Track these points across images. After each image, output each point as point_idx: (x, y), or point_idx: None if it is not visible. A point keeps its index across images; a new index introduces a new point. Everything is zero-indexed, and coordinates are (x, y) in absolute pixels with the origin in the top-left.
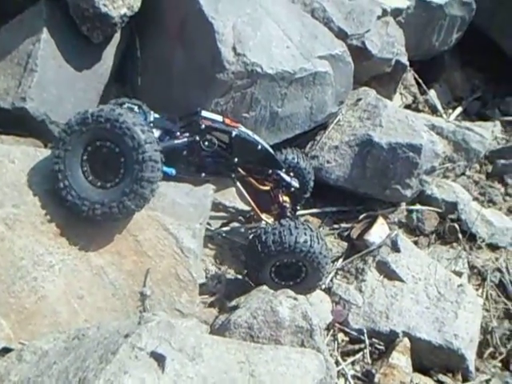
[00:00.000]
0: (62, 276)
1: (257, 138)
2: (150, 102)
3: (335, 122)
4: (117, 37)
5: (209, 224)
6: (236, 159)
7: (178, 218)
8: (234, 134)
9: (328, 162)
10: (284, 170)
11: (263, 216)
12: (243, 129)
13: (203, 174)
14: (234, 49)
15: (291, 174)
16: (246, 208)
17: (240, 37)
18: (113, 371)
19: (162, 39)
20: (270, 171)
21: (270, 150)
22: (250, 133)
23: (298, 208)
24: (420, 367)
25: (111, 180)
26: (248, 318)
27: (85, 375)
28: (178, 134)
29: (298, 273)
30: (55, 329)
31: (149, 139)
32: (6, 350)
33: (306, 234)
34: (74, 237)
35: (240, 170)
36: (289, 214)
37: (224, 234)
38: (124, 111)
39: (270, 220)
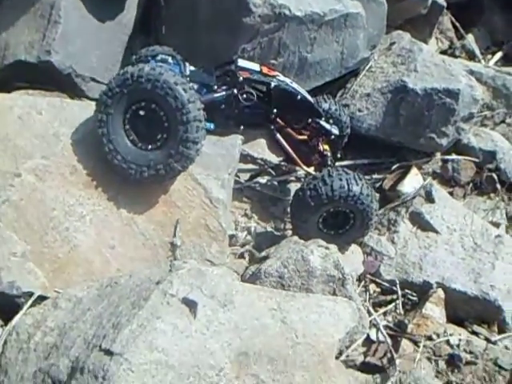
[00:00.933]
0: (93, 226)
1: (296, 86)
2: (176, 51)
3: (367, 68)
4: None
5: (237, 176)
6: (275, 110)
7: (207, 168)
8: (273, 84)
9: (359, 110)
10: (323, 118)
11: (304, 166)
12: (282, 77)
13: (242, 127)
14: None
15: (330, 121)
16: (275, 160)
17: None
18: (145, 316)
19: None
20: (310, 120)
21: (310, 99)
22: (289, 81)
23: (339, 156)
24: (454, 318)
25: (156, 141)
26: (279, 267)
27: (118, 320)
28: (216, 87)
29: (345, 222)
30: (88, 277)
31: (192, 98)
32: (42, 298)
33: (368, 188)
34: (104, 187)
35: (279, 120)
36: (330, 162)
37: (253, 186)
38: (164, 70)
39: (311, 170)
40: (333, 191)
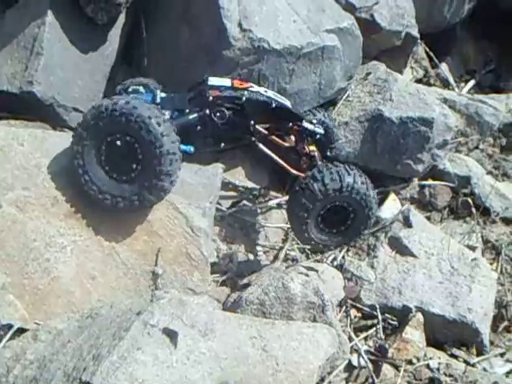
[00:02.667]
0: (74, 257)
1: (270, 94)
2: (157, 82)
3: (344, 97)
4: (122, 17)
5: (219, 203)
6: (252, 121)
7: (188, 198)
8: (244, 98)
9: (336, 139)
10: (304, 121)
11: (294, 171)
12: (255, 88)
13: (222, 144)
14: (240, 24)
15: (314, 121)
16: (256, 186)
17: (246, 12)
18: (126, 347)
19: (167, 18)
20: (290, 124)
21: (286, 104)
22: (263, 90)
23: (329, 154)
24: (434, 342)
25: (130, 173)
26: (259, 294)
27: (98, 352)
28: (188, 110)
29: (345, 217)
30: (69, 309)
31: (166, 131)
32: (22, 331)
33: (361, 176)
34: (85, 218)
35: (259, 130)
36: (319, 162)
37: (234, 214)
38: (139, 103)
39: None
40: (325, 186)
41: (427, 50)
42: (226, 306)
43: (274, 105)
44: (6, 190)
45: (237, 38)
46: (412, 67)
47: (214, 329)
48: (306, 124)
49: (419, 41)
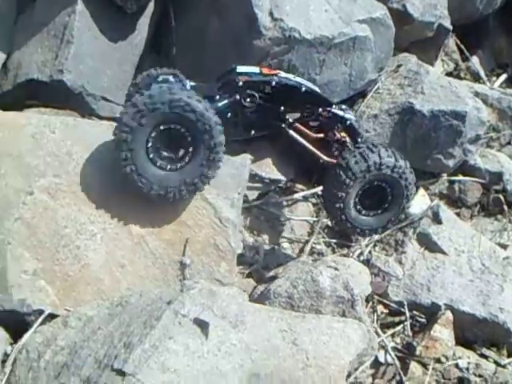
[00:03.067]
0: (104, 244)
1: (299, 79)
2: (185, 72)
3: (374, 89)
4: (151, 6)
5: (245, 195)
6: (282, 107)
7: (216, 188)
8: (273, 82)
9: (367, 131)
10: (334, 106)
11: (325, 157)
12: (283, 74)
13: (252, 132)
14: (271, 14)
15: (343, 107)
16: (282, 178)
17: (277, 1)
18: (157, 336)
19: (197, 7)
20: (320, 110)
21: (316, 89)
22: (291, 76)
23: (359, 141)
24: (463, 341)
25: (183, 159)
26: (288, 287)
27: (130, 340)
28: (218, 96)
29: (381, 202)
30: (98, 296)
31: (207, 106)
32: (52, 316)
33: (402, 158)
34: (115, 206)
35: (289, 117)
36: (351, 147)
37: (260, 206)
38: (174, 89)
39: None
40: (381, 159)
41: (458, 42)
42: (252, 298)
43: (303, 89)
44: (37, 176)
45: (268, 28)
46: (443, 60)
47: (244, 320)
48: (335, 110)
49: (451, 33)
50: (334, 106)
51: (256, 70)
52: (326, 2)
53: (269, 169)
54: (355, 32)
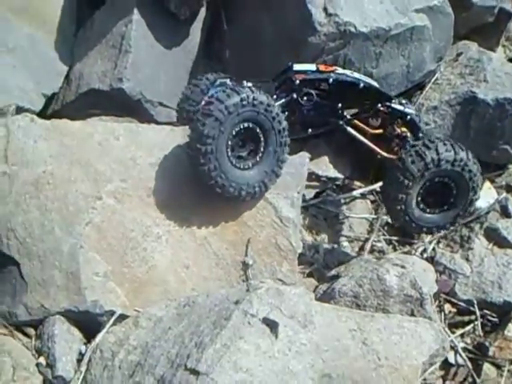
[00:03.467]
0: (169, 246)
1: (357, 75)
2: (239, 74)
3: (433, 80)
4: (203, 11)
5: (303, 194)
6: (339, 104)
7: (276, 187)
8: (331, 80)
9: (427, 123)
10: (394, 100)
11: (385, 153)
12: (340, 70)
13: (310, 130)
14: (325, 9)
15: (403, 101)
16: (339, 176)
17: None
18: (228, 336)
19: (248, 8)
20: (379, 106)
21: (374, 84)
22: (349, 72)
23: (421, 136)
24: None
25: (257, 153)
26: (353, 286)
27: (201, 340)
28: (275, 96)
29: (446, 198)
30: (165, 297)
31: (269, 95)
32: (123, 317)
33: (462, 148)
34: (178, 208)
35: (347, 114)
36: (412, 142)
37: (318, 204)
38: (237, 87)
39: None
40: (439, 154)
41: None
42: (315, 298)
43: (361, 85)
44: (105, 182)
45: (322, 24)
46: (504, 46)
47: (312, 320)
48: (395, 105)
49: None
50: (393, 101)
51: (312, 67)
52: None
53: (325, 167)
54: (413, 22)
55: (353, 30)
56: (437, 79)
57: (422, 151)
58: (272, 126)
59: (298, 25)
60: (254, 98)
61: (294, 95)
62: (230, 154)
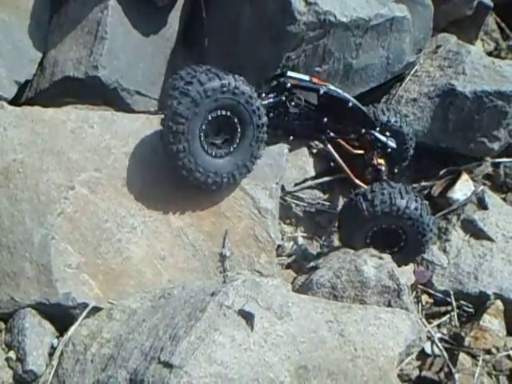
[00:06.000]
0: (145, 237)
1: (347, 95)
2: (219, 63)
3: (412, 72)
4: None
5: (282, 185)
6: (326, 119)
7: (254, 178)
8: (322, 91)
9: (406, 115)
10: (378, 129)
11: (357, 181)
12: (332, 87)
13: (291, 138)
14: None
15: (387, 133)
16: (319, 168)
17: None
18: (203, 328)
19: None
20: (364, 131)
21: (362, 108)
22: (340, 91)
23: (396, 172)
24: None
25: (232, 143)
26: (331, 277)
27: (175, 332)
28: (264, 94)
29: (396, 242)
30: (141, 289)
31: (253, 88)
32: (96, 309)
33: (417, 201)
34: (154, 199)
35: (330, 131)
36: (385, 177)
37: (298, 196)
38: (219, 73)
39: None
40: (374, 207)
41: (498, 20)
42: (294, 289)
43: (350, 104)
44: (78, 171)
45: (302, 12)
46: (482, 39)
47: (289, 311)
48: (378, 134)
49: (491, 11)
50: (377, 129)
51: (306, 77)
52: None
53: (305, 158)
54: (393, 13)
55: (333, 19)
56: (416, 71)
57: (360, 202)
58: (251, 119)
59: (278, 14)
60: (235, 87)
61: (283, 98)
62: (202, 138)
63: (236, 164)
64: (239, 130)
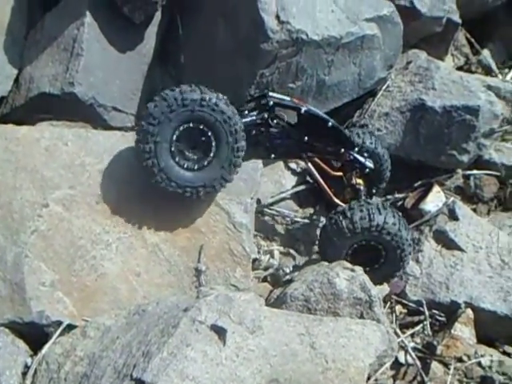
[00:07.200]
0: (119, 254)
1: (327, 117)
2: (195, 80)
3: (384, 87)
4: (158, 16)
5: (258, 199)
6: (306, 137)
7: (229, 193)
8: (303, 110)
9: (378, 129)
10: (357, 150)
11: (336, 200)
12: (312, 107)
13: (273, 156)
14: (278, 17)
15: (365, 154)
16: (295, 181)
17: (283, 3)
18: (175, 344)
19: (203, 13)
20: (343, 150)
21: (342, 129)
22: (320, 112)
23: (374, 192)
24: (485, 338)
25: (204, 160)
26: (304, 290)
27: (148, 349)
28: (246, 112)
29: (376, 259)
30: (116, 305)
31: (235, 110)
32: (71, 327)
33: (394, 216)
34: (129, 215)
35: (311, 150)
36: (363, 197)
37: (274, 209)
38: (204, 89)
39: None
40: (353, 223)
41: (468, 36)
42: (269, 302)
43: (330, 124)
44: (52, 189)
45: (275, 31)
46: (453, 54)
47: (261, 325)
48: (356, 155)
49: (460, 27)
50: (356, 150)
51: (287, 98)
52: (333, 2)
53: (281, 171)
54: (363, 31)
55: (305, 37)
56: (388, 86)
57: (340, 220)
58: (227, 140)
59: (252, 31)
60: (215, 103)
61: (265, 115)
62: (173, 146)
63: (203, 182)
64: (214, 148)
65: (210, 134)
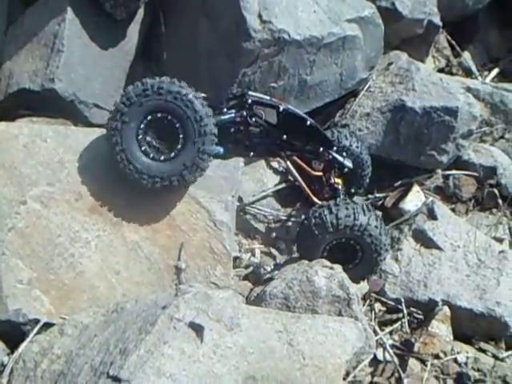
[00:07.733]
0: (99, 252)
1: (304, 115)
2: (177, 77)
3: (366, 88)
4: (140, 13)
5: (240, 198)
6: (285, 136)
7: (210, 191)
8: (281, 108)
9: (360, 129)
10: (335, 149)
11: (315, 198)
12: (290, 106)
13: (252, 154)
14: (260, 16)
15: (344, 154)
16: (277, 180)
17: (265, 3)
18: (152, 342)
19: (186, 12)
20: (321, 149)
21: (320, 128)
22: (299, 111)
23: (353, 191)
24: (461, 336)
25: (169, 153)
26: (284, 288)
27: (125, 346)
28: (225, 109)
29: (351, 258)
30: (94, 303)
31: (209, 112)
32: (48, 325)
33: (377, 220)
34: (108, 213)
35: (290, 149)
36: (341, 196)
37: (255, 207)
38: (184, 84)
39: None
40: (338, 219)
41: (449, 38)
42: (249, 300)
43: (308, 122)
44: (30, 186)
45: (257, 30)
46: (434, 56)
47: (239, 323)
48: (336, 154)
49: (441, 29)
50: (334, 149)
51: (267, 97)
52: (315, 3)
53: (263, 170)
54: (344, 32)
55: (287, 37)
56: (369, 87)
57: (324, 214)
58: (187, 115)
59: (233, 30)
60: (160, 87)
61: (244, 113)
62: (142, 142)
63: (162, 173)
64: (179, 144)
65: (178, 128)
